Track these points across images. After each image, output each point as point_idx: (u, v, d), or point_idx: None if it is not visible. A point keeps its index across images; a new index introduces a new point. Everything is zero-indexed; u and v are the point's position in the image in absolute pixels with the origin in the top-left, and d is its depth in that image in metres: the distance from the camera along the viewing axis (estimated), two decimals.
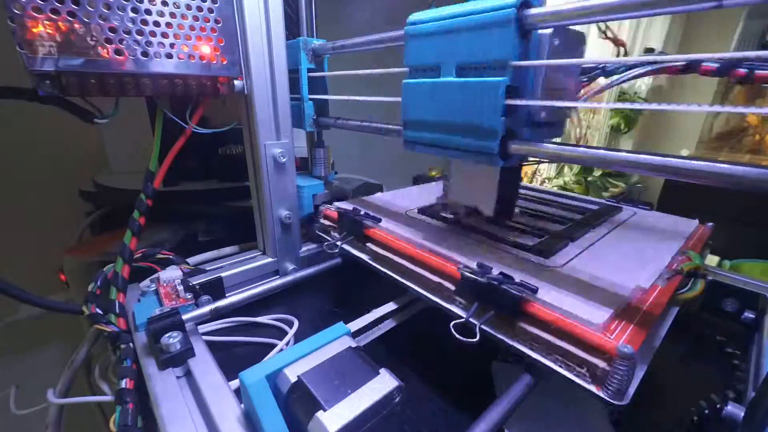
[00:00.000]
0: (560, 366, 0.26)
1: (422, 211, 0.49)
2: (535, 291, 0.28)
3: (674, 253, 0.37)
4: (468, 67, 0.31)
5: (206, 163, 0.70)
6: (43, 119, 0.83)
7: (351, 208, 0.47)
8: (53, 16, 0.31)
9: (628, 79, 0.33)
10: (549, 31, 0.28)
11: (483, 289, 0.30)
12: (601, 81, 0.35)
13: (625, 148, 0.34)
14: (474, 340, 0.28)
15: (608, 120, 2.25)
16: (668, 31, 2.04)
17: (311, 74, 0.53)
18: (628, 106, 0.26)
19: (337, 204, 0.50)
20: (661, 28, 2.03)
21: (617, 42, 0.35)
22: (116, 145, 0.77)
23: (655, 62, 0.31)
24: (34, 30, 0.30)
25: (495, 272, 0.31)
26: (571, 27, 0.30)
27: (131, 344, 0.34)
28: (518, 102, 0.29)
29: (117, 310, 0.38)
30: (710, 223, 0.45)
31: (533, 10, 0.27)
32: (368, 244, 0.43)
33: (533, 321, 0.27)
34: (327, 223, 0.50)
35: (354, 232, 0.45)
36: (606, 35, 0.34)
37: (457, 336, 0.28)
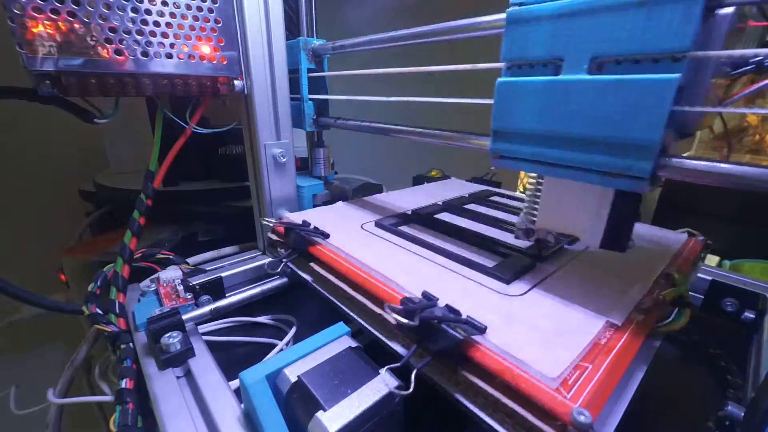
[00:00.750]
0: (506, 430, 0.21)
1: (380, 224, 0.43)
2: (482, 330, 0.23)
3: (657, 275, 0.32)
4: (610, 60, 0.23)
5: (206, 163, 0.70)
6: (43, 119, 0.83)
7: (300, 221, 0.42)
8: (53, 16, 0.31)
9: None
10: (731, 10, 0.21)
11: (419, 329, 0.24)
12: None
13: None
14: (407, 392, 0.23)
15: None
16: None
17: (311, 74, 0.53)
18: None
19: (289, 215, 0.46)
20: None
21: None
22: (116, 145, 0.77)
23: None
24: (34, 30, 0.30)
25: (441, 304, 0.26)
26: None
27: (131, 344, 0.34)
28: (689, 109, 0.21)
29: (117, 310, 0.38)
30: (701, 237, 0.41)
31: None
32: (312, 264, 0.38)
33: (477, 369, 0.23)
34: (275, 238, 0.44)
35: (299, 249, 0.40)
36: None
37: (389, 387, 0.24)
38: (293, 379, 0.24)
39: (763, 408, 0.23)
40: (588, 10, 0.23)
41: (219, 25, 0.39)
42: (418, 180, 0.83)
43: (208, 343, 0.35)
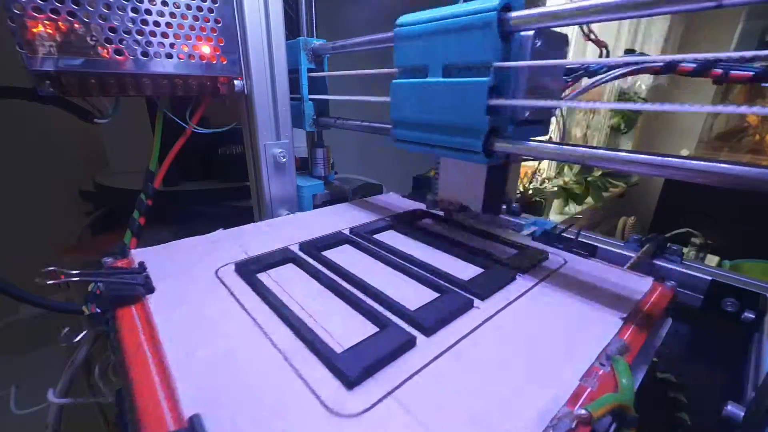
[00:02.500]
0: None
1: (239, 268, 0.31)
2: None
3: (592, 361, 0.22)
4: (453, 67, 0.32)
5: (206, 163, 0.70)
6: (43, 119, 0.83)
7: (137, 263, 0.32)
8: (53, 16, 0.31)
9: (610, 79, 0.33)
10: (530, 33, 0.29)
11: None
12: (584, 81, 0.36)
13: (624, 148, 0.31)
14: None
15: (608, 120, 2.25)
16: (668, 32, 2.04)
17: (311, 74, 0.53)
18: (627, 106, 0.26)
19: (133, 253, 0.35)
20: (660, 29, 2.03)
21: (599, 43, 0.36)
22: (116, 145, 0.77)
23: (636, 63, 0.31)
24: (34, 30, 0.30)
25: None
26: (552, 29, 0.30)
27: None
28: (501, 102, 0.30)
29: None
30: (670, 282, 0.32)
31: (514, 13, 0.28)
32: (111, 334, 0.26)
33: None
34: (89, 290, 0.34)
35: (108, 309, 0.28)
36: (588, 37, 0.35)
37: None
38: None
39: (763, 408, 0.23)
40: (440, 31, 0.32)
41: (219, 25, 0.39)
42: (418, 180, 0.83)
43: None
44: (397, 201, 0.53)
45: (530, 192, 1.71)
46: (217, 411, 0.19)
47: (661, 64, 0.28)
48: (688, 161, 0.22)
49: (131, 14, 0.34)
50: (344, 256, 0.36)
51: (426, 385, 0.21)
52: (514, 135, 0.32)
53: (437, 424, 0.18)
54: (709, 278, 0.42)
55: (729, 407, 0.26)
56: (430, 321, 0.24)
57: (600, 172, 2.02)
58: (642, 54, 0.29)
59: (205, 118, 0.46)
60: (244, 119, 0.47)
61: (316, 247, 0.36)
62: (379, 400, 0.19)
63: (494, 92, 0.30)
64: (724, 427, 0.26)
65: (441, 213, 0.45)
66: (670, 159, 0.22)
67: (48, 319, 0.87)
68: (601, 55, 0.37)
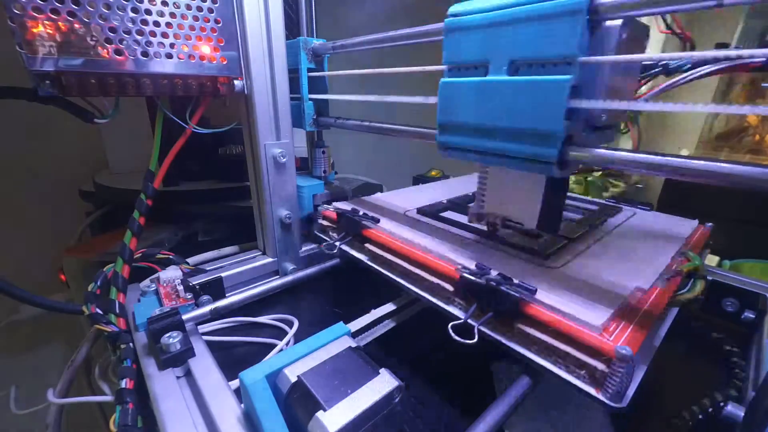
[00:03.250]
0: (559, 368, 0.26)
1: (421, 211, 0.48)
2: (533, 292, 0.27)
3: (673, 254, 0.36)
4: (523, 63, 0.28)
5: (206, 163, 0.70)
6: (43, 119, 0.83)
7: (350, 209, 0.47)
8: (53, 16, 0.31)
9: (694, 78, 0.29)
10: (618, 22, 0.25)
11: (481, 290, 0.29)
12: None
13: (624, 147, 0.31)
14: (472, 341, 0.28)
15: None
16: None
17: (311, 74, 0.53)
18: (628, 106, 0.26)
19: (336, 204, 0.50)
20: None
21: (685, 36, 0.31)
22: (116, 145, 0.77)
23: (728, 58, 0.26)
24: (34, 30, 0.30)
25: (494, 273, 0.30)
26: (638, 19, 0.26)
27: (131, 344, 0.34)
28: (583, 104, 0.25)
29: (117, 310, 0.38)
30: (709, 224, 0.46)
31: (606, 0, 0.24)
32: (366, 245, 0.42)
33: (531, 322, 0.27)
34: (325, 223, 0.49)
35: (352, 233, 0.44)
36: (670, 28, 0.31)
37: (455, 337, 0.28)
38: (293, 379, 0.24)
39: (763, 408, 0.23)
40: (505, 21, 0.28)
41: (219, 25, 0.39)
42: (418, 180, 0.83)
43: (208, 343, 0.35)
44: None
45: None
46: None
47: (763, 59, 0.24)
48: (688, 161, 0.22)
49: (131, 14, 0.34)
50: (455, 216, 0.48)
51: (588, 259, 0.36)
52: (587, 143, 0.28)
53: (605, 271, 0.33)
54: (709, 278, 0.42)
55: (729, 407, 0.26)
56: (574, 232, 0.41)
57: (600, 172, 2.02)
58: (738, 47, 0.24)
59: (205, 118, 0.46)
60: (244, 119, 0.47)
61: (454, 203, 0.53)
62: (568, 262, 0.35)
63: (575, 92, 0.25)
64: (724, 427, 0.26)
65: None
66: (670, 159, 0.22)
67: (48, 319, 0.87)
68: (684, 50, 0.32)
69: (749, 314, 0.39)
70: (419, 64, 0.37)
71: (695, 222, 0.46)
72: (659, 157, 0.23)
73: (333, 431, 0.21)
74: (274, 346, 0.39)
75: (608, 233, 0.42)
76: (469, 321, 0.30)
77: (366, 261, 0.42)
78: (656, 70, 0.31)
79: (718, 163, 0.21)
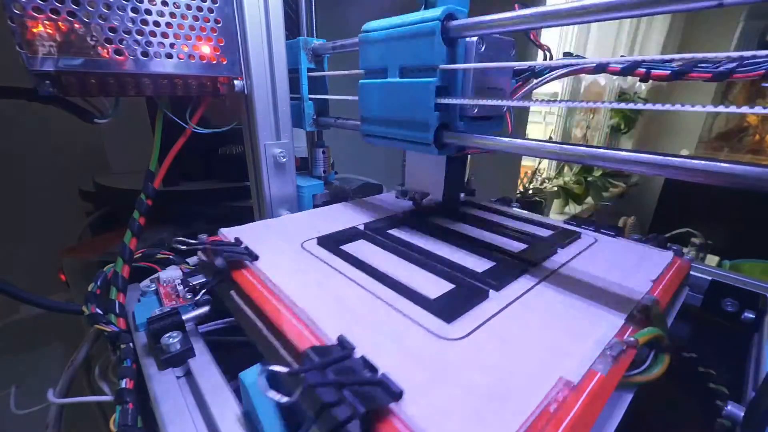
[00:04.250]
0: None
1: (322, 241, 0.38)
2: (398, 396, 0.18)
3: (632, 309, 0.27)
4: (408, 69, 0.36)
5: (206, 163, 0.70)
6: (43, 119, 0.83)
7: (233, 239, 0.37)
8: (53, 16, 0.31)
9: (551, 80, 0.37)
10: (474, 38, 0.33)
11: (324, 389, 0.19)
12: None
13: (625, 147, 0.31)
14: None
15: (608, 120, 2.25)
16: (669, 31, 2.04)
17: (311, 74, 0.53)
18: (628, 106, 0.26)
19: (224, 231, 0.40)
20: (661, 28, 2.03)
21: (541, 47, 0.38)
22: (116, 145, 0.77)
23: (571, 65, 0.34)
24: (34, 30, 0.30)
25: (360, 352, 0.21)
26: (497, 34, 0.33)
27: (131, 344, 0.34)
28: (448, 100, 0.34)
29: (117, 310, 0.38)
30: (689, 255, 0.38)
31: (456, 22, 0.32)
32: (232, 291, 0.32)
33: None
34: (204, 259, 0.37)
35: (222, 274, 0.34)
36: (531, 40, 0.38)
37: None
38: None
39: (763, 408, 0.23)
40: (395, 37, 0.37)
41: (219, 25, 0.39)
42: None
43: (208, 343, 0.35)
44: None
45: (530, 192, 1.71)
46: (350, 336, 0.22)
47: (594, 64, 0.30)
48: (688, 161, 0.22)
49: (131, 14, 0.34)
50: (404, 233, 0.41)
51: (505, 322, 0.26)
52: (467, 129, 0.36)
53: (522, 346, 0.23)
54: (709, 278, 0.42)
55: (729, 407, 0.26)
56: (497, 279, 0.30)
57: (600, 172, 2.02)
58: (578, 56, 0.34)
59: (205, 118, 0.46)
60: (244, 119, 0.47)
61: (373, 228, 0.41)
62: (474, 330, 0.25)
63: (442, 91, 0.34)
64: (724, 427, 0.26)
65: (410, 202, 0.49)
66: (670, 159, 0.22)
67: (48, 319, 0.87)
68: (545, 58, 0.39)
69: (749, 314, 0.39)
70: None
71: (669, 254, 0.37)
72: (659, 157, 0.23)
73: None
74: None
75: (551, 273, 0.32)
76: None
77: (234, 312, 0.32)
78: (527, 73, 0.38)
79: (718, 163, 0.21)
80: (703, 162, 0.22)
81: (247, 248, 0.35)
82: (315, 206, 0.55)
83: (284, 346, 0.24)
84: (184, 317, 0.35)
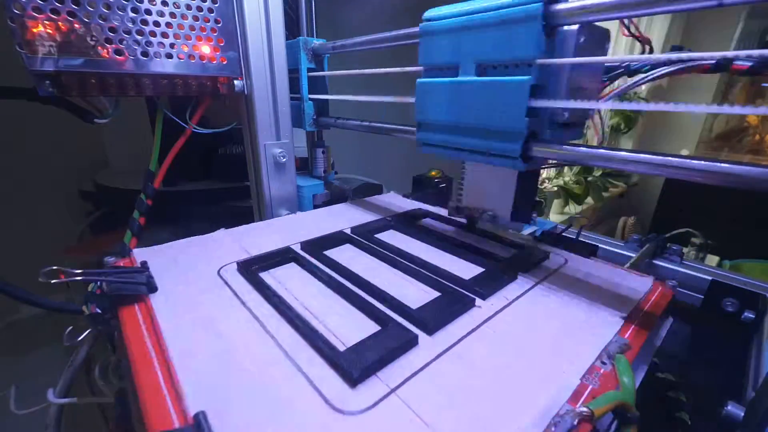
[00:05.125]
0: None
1: (246, 265, 0.31)
2: None
3: (593, 360, 0.22)
4: (489, 65, 0.30)
5: (206, 163, 0.70)
6: (43, 119, 0.83)
7: (139, 262, 0.32)
8: (53, 16, 0.31)
9: (653, 79, 0.31)
10: (575, 27, 0.27)
11: None
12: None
13: (625, 147, 0.30)
14: None
15: (608, 120, 2.25)
16: (667, 31, 2.04)
17: (311, 74, 0.53)
18: (627, 106, 0.26)
19: (134, 252, 0.34)
20: (660, 28, 2.03)
21: (643, 39, 0.32)
22: (116, 145, 0.77)
23: (682, 60, 0.27)
24: (34, 30, 0.30)
25: None
26: (596, 23, 0.27)
27: None
28: (543, 103, 0.27)
29: None
30: (671, 282, 0.32)
31: (560, 6, 0.26)
32: (116, 333, 0.28)
33: None
34: (89, 289, 0.34)
35: (108, 310, 0.30)
36: (629, 31, 0.32)
37: None
38: None
39: (763, 408, 0.23)
40: (475, 25, 0.30)
41: (219, 25, 0.39)
42: (418, 180, 0.83)
43: None
44: (397, 200, 0.52)
45: None
46: (222, 408, 0.19)
47: (712, 61, 0.25)
48: (688, 161, 0.22)
49: (131, 14, 0.34)
50: (346, 255, 0.36)
51: (428, 383, 0.20)
52: (552, 139, 0.29)
53: (440, 422, 0.18)
54: (709, 278, 0.42)
55: (729, 407, 0.26)
56: (432, 320, 0.24)
57: (600, 172, 2.02)
58: (690, 50, 0.25)
59: (205, 118, 0.46)
60: (244, 119, 0.47)
61: (318, 246, 0.36)
62: (382, 398, 0.19)
63: (535, 92, 0.27)
64: (724, 427, 0.26)
65: (463, 220, 0.42)
66: (670, 159, 0.22)
67: (48, 319, 0.87)
68: (643, 53, 0.33)
69: (749, 314, 0.39)
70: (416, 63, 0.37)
71: (648, 281, 0.31)
72: (659, 157, 0.23)
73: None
74: None
75: (500, 311, 0.27)
76: None
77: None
78: (619, 71, 0.32)
79: (718, 163, 0.21)
80: (703, 162, 0.22)
81: (148, 276, 0.29)
82: (315, 206, 0.55)
83: (138, 418, 0.19)
84: None
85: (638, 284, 0.31)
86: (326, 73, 0.53)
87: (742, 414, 0.26)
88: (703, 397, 0.31)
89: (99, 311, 0.31)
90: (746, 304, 0.40)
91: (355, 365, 0.20)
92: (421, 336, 0.24)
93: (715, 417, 0.27)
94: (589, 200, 1.91)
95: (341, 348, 0.22)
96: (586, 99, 0.26)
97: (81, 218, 0.77)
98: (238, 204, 0.66)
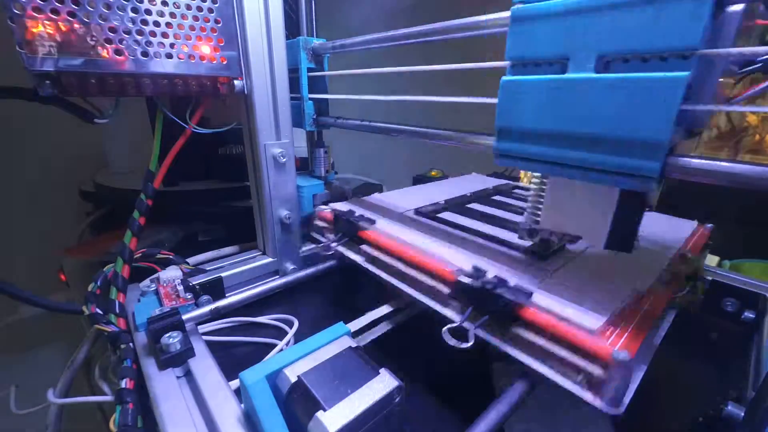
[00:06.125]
0: (556, 373, 0.26)
1: (419, 212, 0.48)
2: (529, 295, 0.27)
3: (672, 256, 0.36)
4: (617, 58, 0.23)
5: (206, 163, 0.70)
6: (43, 119, 0.83)
7: (347, 209, 0.47)
8: (53, 16, 0.31)
9: None
10: (741, 7, 0.21)
11: (477, 294, 0.30)
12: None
13: None
14: (467, 345, 0.28)
15: None
16: None
17: (311, 74, 0.53)
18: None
19: (332, 205, 0.50)
20: None
21: None
22: (116, 145, 0.77)
23: None
24: (34, 30, 0.30)
25: (490, 275, 0.31)
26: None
27: (131, 344, 0.34)
28: (696, 106, 0.21)
29: (117, 310, 0.38)
30: (709, 225, 0.45)
31: None
32: (362, 246, 0.42)
33: (528, 326, 0.27)
34: (322, 224, 0.49)
35: (348, 234, 0.45)
36: None
37: (451, 341, 0.28)
38: (293, 379, 0.24)
39: (763, 408, 0.23)
40: (595, 7, 0.23)
41: (219, 25, 0.39)
42: (418, 180, 0.83)
43: (208, 343, 0.35)
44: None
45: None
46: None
47: None
48: (688, 161, 0.22)
49: (131, 14, 0.34)
50: (477, 207, 0.53)
51: (586, 260, 0.36)
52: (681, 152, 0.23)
53: (604, 271, 0.33)
54: (709, 278, 0.42)
55: (729, 407, 0.26)
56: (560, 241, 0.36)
57: None
58: None
59: (205, 118, 0.46)
60: (244, 119, 0.47)
61: (452, 203, 0.54)
62: (562, 266, 0.34)
63: (687, 92, 0.21)
64: (724, 427, 0.26)
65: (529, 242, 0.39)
66: (669, 158, 0.22)
67: (48, 319, 0.87)
68: None
69: (749, 314, 0.39)
70: (418, 63, 0.37)
71: (694, 223, 0.46)
72: None
73: (333, 431, 0.21)
74: (274, 346, 0.39)
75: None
76: (465, 324, 0.29)
77: (362, 262, 0.42)
78: (756, 66, 0.25)
79: (718, 163, 0.21)
80: (703, 162, 0.21)
81: (362, 215, 0.45)
82: (315, 206, 0.55)
83: (429, 276, 0.34)
84: (184, 317, 0.35)
85: (688, 226, 0.46)
86: (326, 73, 0.53)
87: (742, 414, 0.26)
88: (702, 397, 0.31)
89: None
90: (746, 304, 0.40)
91: (542, 250, 0.36)
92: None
93: (714, 417, 0.27)
94: None
95: (519, 249, 0.37)
96: (717, 100, 0.23)
97: (81, 218, 0.77)
98: (238, 204, 0.66)
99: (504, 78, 0.28)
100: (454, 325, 0.30)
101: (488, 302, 0.29)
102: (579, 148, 0.25)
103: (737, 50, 0.21)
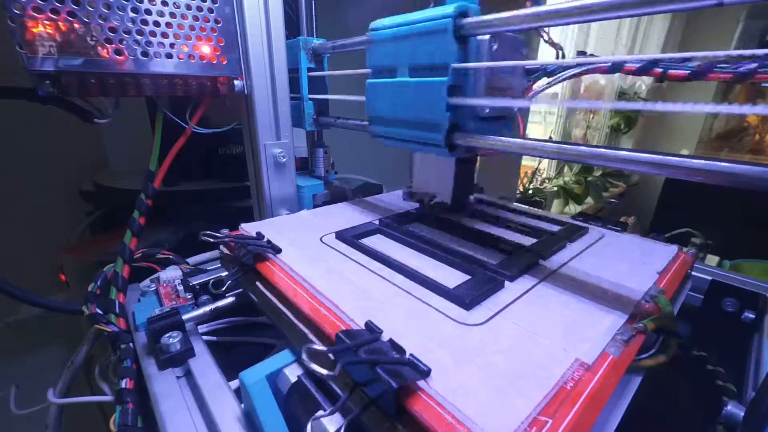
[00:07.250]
0: None
1: (340, 235, 0.39)
2: (426, 374, 0.20)
3: (639, 299, 0.28)
4: (419, 68, 0.35)
5: (206, 163, 0.70)
6: (43, 119, 0.83)
7: (255, 233, 0.38)
8: (53, 16, 0.31)
9: (564, 79, 0.36)
10: (486, 37, 0.31)
11: (356, 370, 0.21)
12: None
13: (625, 147, 0.31)
14: None
15: (608, 120, 2.25)
16: (668, 31, 2.04)
17: (311, 74, 0.53)
18: (627, 106, 0.26)
19: (244, 227, 0.41)
20: (661, 28, 2.03)
21: (554, 45, 0.38)
22: (116, 145, 0.77)
23: (585, 63, 0.33)
24: (34, 30, 0.30)
25: (387, 335, 0.23)
26: (509, 33, 0.32)
27: (131, 344, 0.34)
28: (460, 100, 0.32)
29: (117, 310, 0.38)
30: (692, 250, 0.39)
31: (468, 19, 0.31)
32: (257, 282, 0.34)
33: (415, 425, 0.19)
34: (226, 253, 0.39)
35: (246, 266, 0.36)
36: (543, 39, 0.38)
37: None
38: (293, 379, 0.24)
39: (763, 408, 0.23)
40: (406, 35, 0.35)
41: (219, 25, 0.39)
42: None
43: (208, 343, 0.35)
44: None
45: (530, 192, 1.71)
46: (375, 319, 0.24)
47: (609, 64, 0.30)
48: (688, 160, 0.22)
49: (131, 14, 0.34)
50: (417, 228, 0.42)
51: (521, 310, 0.27)
52: (478, 130, 0.34)
53: (539, 332, 0.25)
54: (709, 278, 0.42)
55: (729, 407, 0.26)
56: (511, 270, 0.31)
57: (600, 172, 2.02)
58: (592, 55, 0.32)
59: (205, 118, 0.46)
60: (244, 119, 0.47)
61: (388, 224, 0.43)
62: (492, 317, 0.26)
63: (454, 91, 0.33)
64: (724, 427, 0.26)
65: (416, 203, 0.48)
66: (670, 158, 0.22)
67: (48, 319, 0.87)
68: (557, 57, 0.39)
69: (749, 314, 0.39)
70: None
71: (674, 248, 0.38)
72: (659, 157, 0.23)
73: (333, 431, 0.21)
74: (274, 346, 0.39)
75: (562, 266, 0.34)
76: (338, 414, 0.22)
77: (256, 302, 0.35)
78: (538, 73, 0.37)
79: (718, 163, 0.21)
80: (703, 162, 0.21)
81: (269, 242, 0.37)
82: (315, 206, 0.55)
83: (314, 332, 0.26)
84: (184, 317, 0.35)
85: (666, 251, 0.38)
86: (326, 73, 0.53)
87: (742, 414, 0.26)
88: (702, 397, 0.31)
89: (96, 312, 0.32)
90: (746, 304, 0.40)
91: (467, 296, 0.27)
92: (506, 282, 0.31)
93: (714, 417, 0.27)
94: (589, 200, 1.91)
95: (448, 287, 0.29)
96: (510, 97, 0.34)
97: (81, 218, 0.77)
98: (238, 204, 0.66)
99: (368, 80, 0.41)
100: (324, 414, 0.21)
101: (368, 382, 0.21)
102: (407, 128, 0.38)
103: (485, 64, 0.31)
